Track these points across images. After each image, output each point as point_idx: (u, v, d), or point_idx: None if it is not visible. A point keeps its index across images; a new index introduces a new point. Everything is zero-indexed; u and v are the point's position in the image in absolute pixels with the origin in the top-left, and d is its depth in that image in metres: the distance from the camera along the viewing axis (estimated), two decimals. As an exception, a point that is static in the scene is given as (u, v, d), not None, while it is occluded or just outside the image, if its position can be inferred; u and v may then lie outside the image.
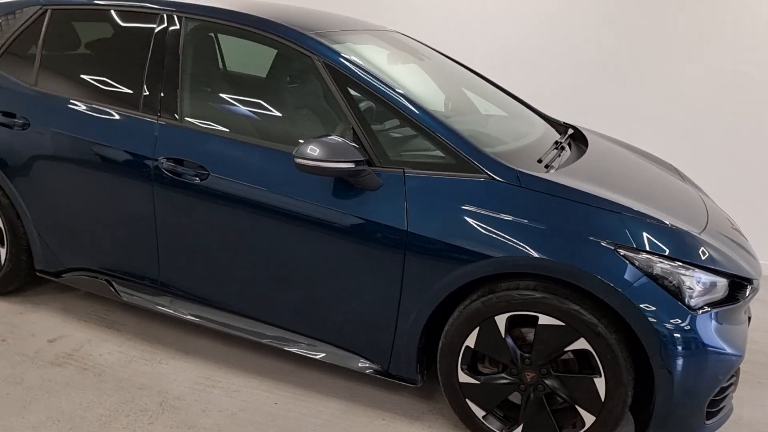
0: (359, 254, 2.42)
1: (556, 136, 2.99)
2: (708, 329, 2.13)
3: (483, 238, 2.24)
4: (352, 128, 2.44)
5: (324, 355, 2.63)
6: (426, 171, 2.38)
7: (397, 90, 2.47)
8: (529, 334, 2.31)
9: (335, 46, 2.58)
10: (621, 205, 2.26)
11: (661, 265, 2.13)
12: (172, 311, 2.85)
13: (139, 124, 2.74)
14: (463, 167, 2.35)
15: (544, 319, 2.23)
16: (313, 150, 2.27)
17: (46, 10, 3.03)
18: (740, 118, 4.36)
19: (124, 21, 2.92)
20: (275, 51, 2.84)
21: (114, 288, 2.96)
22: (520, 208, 2.26)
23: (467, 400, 2.43)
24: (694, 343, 2.10)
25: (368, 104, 2.53)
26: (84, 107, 2.86)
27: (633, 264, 2.13)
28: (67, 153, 2.86)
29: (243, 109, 2.79)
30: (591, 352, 2.21)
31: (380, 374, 2.55)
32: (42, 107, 2.93)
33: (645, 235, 2.19)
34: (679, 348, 2.09)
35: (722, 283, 2.21)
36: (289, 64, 2.94)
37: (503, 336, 2.31)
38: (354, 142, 2.40)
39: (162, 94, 2.72)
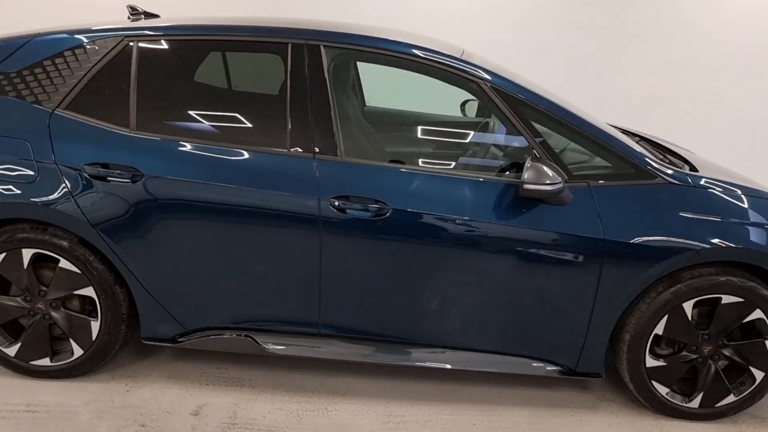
0: (556, 266, 2.56)
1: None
2: None
3: (676, 234, 2.52)
4: (533, 149, 2.56)
5: (506, 366, 2.72)
6: (608, 182, 2.59)
7: (567, 108, 2.63)
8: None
9: (494, 70, 2.65)
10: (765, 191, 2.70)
11: None
12: (333, 356, 2.72)
13: (292, 163, 2.55)
14: (641, 175, 2.60)
15: (726, 299, 2.59)
16: (539, 176, 2.36)
17: (130, 43, 2.62)
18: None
19: (240, 52, 2.66)
20: (417, 77, 2.79)
21: (257, 342, 2.72)
22: (697, 205, 2.58)
23: (652, 382, 2.72)
24: None
25: (540, 124, 2.65)
26: (212, 150, 2.56)
27: None
28: (195, 203, 2.55)
29: (410, 138, 2.73)
30: (764, 320, 2.62)
31: (567, 374, 2.73)
32: (153, 154, 2.56)
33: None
34: None
35: None
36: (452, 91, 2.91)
37: (690, 319, 2.62)
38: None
39: (314, 130, 2.56)
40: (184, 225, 2.57)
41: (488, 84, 2.60)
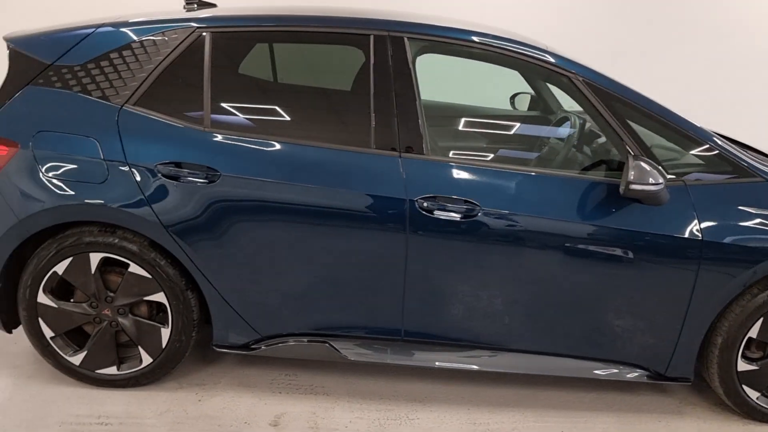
0: (651, 269, 2.46)
1: None
2: None
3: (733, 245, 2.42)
4: (627, 146, 2.44)
5: (594, 371, 2.63)
6: (704, 180, 2.49)
7: (659, 103, 2.51)
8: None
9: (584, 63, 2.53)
10: None
11: None
12: (412, 362, 2.61)
13: (377, 161, 2.42)
14: (739, 173, 2.50)
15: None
16: (643, 175, 2.25)
17: (202, 33, 2.47)
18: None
19: (318, 43, 2.51)
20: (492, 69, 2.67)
21: (335, 348, 2.60)
22: None
23: (743, 386, 2.63)
24: None
25: (633, 120, 2.53)
26: (291, 149, 2.43)
27: None
28: (275, 205, 2.42)
29: (500, 135, 2.61)
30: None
31: (655, 379, 2.64)
32: (231, 153, 2.42)
33: None
34: None
35: None
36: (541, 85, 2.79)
37: (785, 322, 2.54)
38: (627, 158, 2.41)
39: (400, 126, 2.43)
40: (263, 227, 2.44)
41: (580, 78, 2.48)
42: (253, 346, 2.64)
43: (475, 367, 2.62)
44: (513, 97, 3.92)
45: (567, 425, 2.62)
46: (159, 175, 2.40)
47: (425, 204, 2.39)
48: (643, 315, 2.53)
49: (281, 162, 2.42)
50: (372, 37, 2.46)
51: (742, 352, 2.59)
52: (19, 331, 2.66)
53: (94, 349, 2.62)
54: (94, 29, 2.50)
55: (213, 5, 2.93)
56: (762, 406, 2.66)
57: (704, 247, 2.42)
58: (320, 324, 2.60)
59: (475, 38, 2.50)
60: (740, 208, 2.46)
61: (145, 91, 2.45)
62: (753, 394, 2.65)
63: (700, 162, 2.55)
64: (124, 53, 2.47)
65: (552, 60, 2.49)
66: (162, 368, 2.65)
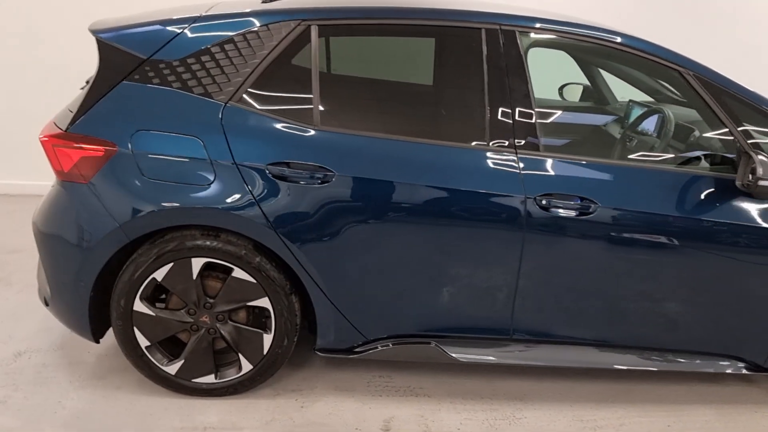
0: (758, 262, 2.47)
1: None
2: None
3: None
4: (738, 141, 2.44)
5: (697, 365, 2.65)
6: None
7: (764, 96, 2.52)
8: None
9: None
10: None
11: None
12: (522, 361, 2.58)
13: (493, 159, 2.37)
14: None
15: None
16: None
17: (309, 26, 2.36)
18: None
19: (430, 38, 2.43)
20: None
21: (444, 350, 2.55)
22: None
23: (836, 374, 2.69)
24: None
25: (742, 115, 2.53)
26: (405, 147, 2.35)
27: None
28: (388, 204, 2.34)
29: (595, 129, 2.58)
30: None
31: (753, 370, 2.67)
32: (343, 152, 2.33)
33: None
34: None
35: None
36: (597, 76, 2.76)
37: None
38: (741, 153, 2.42)
39: (514, 123, 2.38)
40: (375, 227, 2.36)
41: (691, 73, 2.46)
42: (356, 350, 2.57)
43: (581, 364, 2.61)
44: (562, 88, 3.90)
45: (671, 419, 2.63)
46: (269, 175, 2.29)
47: (543, 201, 2.35)
48: (749, 307, 2.55)
49: (396, 161, 2.34)
50: (483, 31, 2.39)
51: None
52: (87, 341, 2.54)
53: (192, 357, 2.51)
54: (190, 22, 2.37)
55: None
56: None
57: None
58: (426, 325, 2.55)
59: (590, 33, 2.45)
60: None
61: (251, 87, 2.34)
62: (844, 382, 2.71)
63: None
64: (227, 47, 2.34)
65: (663, 55, 2.46)
66: (262, 375, 2.56)
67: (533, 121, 2.39)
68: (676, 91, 2.85)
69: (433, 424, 2.51)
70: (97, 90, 2.33)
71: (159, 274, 2.38)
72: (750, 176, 2.31)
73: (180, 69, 2.33)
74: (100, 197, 2.29)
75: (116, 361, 2.77)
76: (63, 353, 2.83)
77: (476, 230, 2.38)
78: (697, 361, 2.65)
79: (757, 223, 2.42)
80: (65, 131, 2.31)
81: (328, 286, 2.43)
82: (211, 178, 2.28)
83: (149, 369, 2.52)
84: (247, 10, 2.39)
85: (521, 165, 2.36)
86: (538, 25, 2.44)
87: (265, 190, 2.30)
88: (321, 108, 2.35)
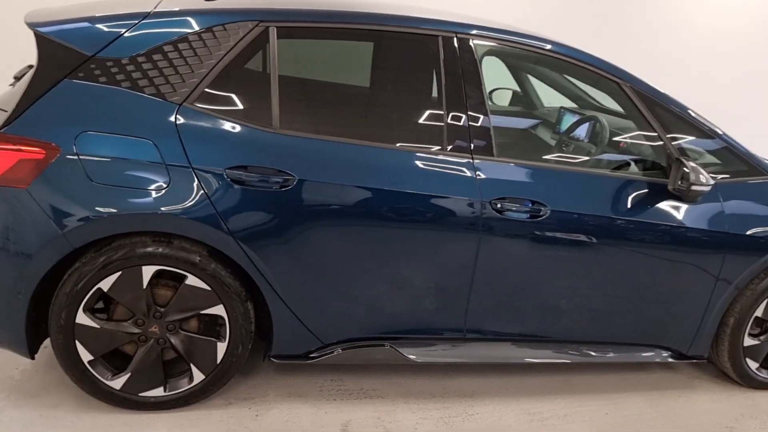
0: (686, 259, 2.70)
1: None
2: None
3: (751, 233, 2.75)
4: (668, 149, 2.65)
5: (628, 356, 2.84)
6: (728, 179, 2.76)
7: (689, 108, 2.75)
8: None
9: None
10: None
11: None
12: (475, 359, 2.67)
13: (451, 163, 2.43)
14: (753, 172, 2.80)
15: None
16: (699, 176, 2.46)
17: (267, 27, 2.31)
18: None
19: (388, 42, 2.45)
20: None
21: (399, 351, 2.58)
22: None
23: (746, 359, 2.98)
24: None
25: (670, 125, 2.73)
26: (363, 151, 2.36)
27: None
28: (347, 208, 2.34)
29: (540, 135, 2.70)
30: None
31: (677, 358, 2.91)
32: (303, 156, 2.30)
33: None
34: None
35: None
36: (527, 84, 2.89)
37: (782, 301, 2.91)
38: (668, 161, 2.63)
39: (470, 129, 2.45)
40: (333, 231, 2.36)
41: (628, 85, 2.64)
42: (312, 355, 2.55)
43: (527, 359, 2.73)
44: (491, 93, 4.05)
45: (608, 407, 2.81)
46: (227, 179, 2.23)
47: (498, 205, 2.44)
48: (678, 301, 2.77)
49: (354, 165, 2.35)
50: (440, 38, 2.45)
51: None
52: (15, 356, 2.37)
53: (139, 370, 2.39)
54: (140, 18, 2.25)
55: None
56: (759, 375, 3.03)
57: (728, 238, 2.70)
58: (382, 328, 2.57)
59: (536, 44, 2.57)
60: (756, 202, 2.77)
61: (207, 87, 2.26)
62: (753, 365, 3.00)
63: (717, 161, 2.82)
64: (180, 46, 2.25)
65: (603, 66, 2.63)
66: (215, 385, 2.48)
67: (489, 126, 2.47)
68: (597, 100, 3.05)
69: (390, 424, 2.53)
70: (36, 88, 2.17)
71: (105, 284, 2.25)
72: (680, 182, 2.51)
73: (130, 68, 2.21)
74: (41, 203, 2.13)
75: (49, 377, 2.59)
76: (-14, 372, 2.60)
77: (434, 233, 2.43)
78: (628, 353, 2.85)
79: (684, 223, 2.64)
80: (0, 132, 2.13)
81: (285, 291, 2.39)
82: (166, 182, 2.18)
83: (92, 384, 2.37)
84: (203, 8, 2.31)
85: (478, 169, 2.44)
86: (491, 35, 2.53)
87: (223, 195, 2.23)
88: (280, 111, 2.31)
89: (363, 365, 2.83)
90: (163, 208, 2.18)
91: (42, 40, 2.18)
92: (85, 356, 2.33)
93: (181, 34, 2.26)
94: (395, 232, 2.40)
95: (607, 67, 2.63)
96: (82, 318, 2.27)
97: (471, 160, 2.44)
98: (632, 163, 2.82)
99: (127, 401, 2.42)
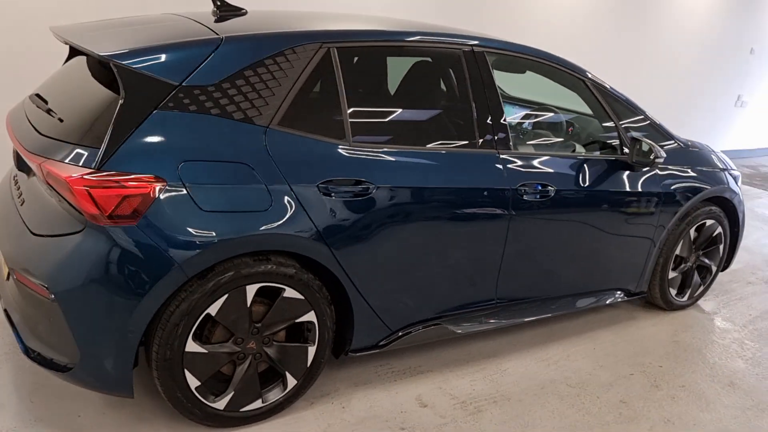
0: (640, 215, 3.43)
1: None
2: None
3: (694, 181, 3.62)
4: (619, 132, 3.34)
5: (599, 301, 3.53)
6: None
7: (627, 96, 3.46)
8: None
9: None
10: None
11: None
12: (504, 323, 3.13)
13: (483, 159, 2.83)
14: (665, 139, 3.62)
15: (709, 222, 3.84)
16: (659, 151, 3.17)
17: (329, 48, 2.49)
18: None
19: (423, 56, 2.75)
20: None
21: (449, 328, 2.95)
22: (696, 160, 3.73)
23: (669, 288, 3.84)
24: None
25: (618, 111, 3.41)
26: (422, 155, 2.67)
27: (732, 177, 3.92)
28: (415, 207, 2.64)
29: (547, 130, 3.20)
30: (720, 232, 3.96)
31: (627, 297, 3.66)
32: (376, 165, 2.53)
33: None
34: None
35: None
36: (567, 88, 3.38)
37: (691, 237, 3.81)
38: (632, 140, 3.31)
39: (493, 128, 2.87)
40: (402, 227, 2.62)
41: (589, 80, 3.26)
42: (380, 344, 2.80)
43: (543, 316, 3.27)
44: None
45: (591, 345, 3.47)
46: (320, 193, 2.39)
47: (520, 190, 2.90)
48: (632, 249, 3.50)
49: (418, 168, 2.64)
50: (464, 50, 2.82)
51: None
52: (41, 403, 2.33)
53: (240, 387, 2.45)
54: (215, 45, 2.29)
55: (240, 9, 2.82)
56: (677, 300, 3.93)
57: (662, 196, 3.49)
58: (434, 309, 2.91)
59: (527, 52, 3.06)
60: (675, 165, 3.59)
61: (288, 108, 2.38)
62: (673, 293, 3.89)
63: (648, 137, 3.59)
64: (259, 70, 2.34)
65: (571, 66, 3.21)
66: (305, 388, 2.63)
67: (506, 126, 2.91)
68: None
69: (453, 390, 2.90)
70: (127, 121, 2.12)
71: (213, 309, 2.29)
72: (639, 156, 3.20)
73: (216, 94, 2.26)
74: (153, 237, 2.12)
75: (123, 413, 2.51)
76: (48, 424, 2.43)
77: (478, 220, 2.83)
78: (598, 298, 3.53)
79: (637, 189, 3.35)
80: (98, 170, 2.06)
81: (365, 288, 2.62)
82: (269, 202, 2.29)
83: (201, 410, 2.39)
84: (271, 32, 2.42)
85: (503, 162, 2.88)
86: (497, 47, 2.96)
87: (317, 208, 2.39)
88: (351, 125, 2.52)
89: (400, 348, 3.12)
90: (271, 228, 2.29)
91: (125, 73, 2.13)
92: (193, 383, 2.34)
93: (258, 58, 2.35)
94: (449, 223, 2.75)
95: (573, 66, 3.22)
96: (191, 346, 2.29)
97: (497, 154, 2.87)
98: (599, 146, 3.45)
99: (232, 419, 2.48)
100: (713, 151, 4.01)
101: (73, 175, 2.05)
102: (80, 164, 2.08)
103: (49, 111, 2.35)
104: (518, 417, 2.77)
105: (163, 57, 2.21)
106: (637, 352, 3.44)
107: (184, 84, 2.21)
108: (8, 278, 2.42)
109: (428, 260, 2.76)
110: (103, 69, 2.44)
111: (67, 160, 2.09)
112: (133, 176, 2.09)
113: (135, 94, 2.15)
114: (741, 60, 8.97)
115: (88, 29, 2.55)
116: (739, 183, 4.01)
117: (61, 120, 2.27)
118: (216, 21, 2.57)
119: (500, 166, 2.87)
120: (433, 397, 2.84)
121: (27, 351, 2.30)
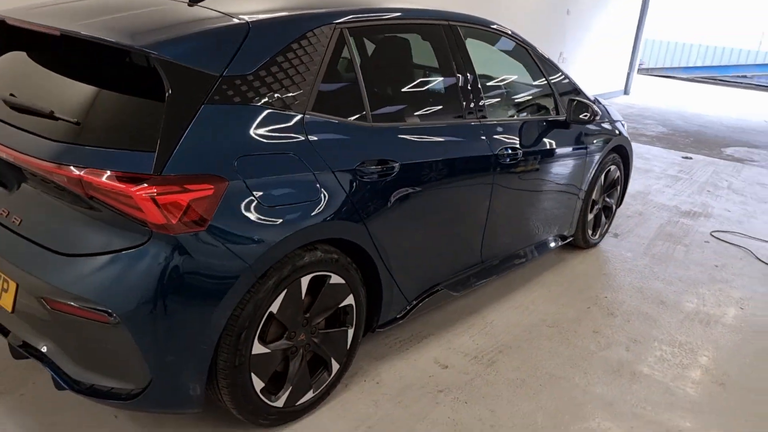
0: (575, 167, 3.86)
1: None
2: None
3: (606, 133, 4.14)
4: (554, 94, 3.71)
5: (547, 249, 3.93)
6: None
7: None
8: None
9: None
10: None
11: None
12: (484, 281, 3.37)
13: (472, 129, 3.01)
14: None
15: (613, 169, 4.42)
16: (595, 107, 3.59)
17: (343, 29, 2.45)
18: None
19: (416, 34, 2.81)
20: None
21: (449, 292, 3.12)
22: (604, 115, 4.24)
23: (587, 231, 4.38)
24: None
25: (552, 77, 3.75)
26: (432, 130, 2.79)
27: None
28: (428, 181, 2.73)
29: (514, 96, 3.43)
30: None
31: (562, 241, 4.12)
32: (399, 143, 2.59)
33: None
34: None
35: None
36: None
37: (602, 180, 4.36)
38: (570, 101, 3.69)
39: (473, 100, 3.05)
40: (422, 201, 2.73)
41: (531, 51, 3.56)
42: (399, 316, 2.89)
43: (513, 268, 3.57)
44: None
45: (544, 286, 3.87)
46: (357, 176, 2.40)
47: (500, 154, 3.13)
48: (568, 197, 3.93)
49: (430, 143, 2.75)
50: (445, 26, 2.94)
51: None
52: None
53: (296, 381, 2.41)
54: (246, 31, 2.17)
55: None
56: (592, 238, 4.48)
57: (587, 151, 3.95)
58: (438, 277, 3.06)
59: (487, 24, 3.26)
60: (597, 125, 4.06)
61: (318, 93, 2.33)
62: (590, 233, 4.43)
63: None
64: (288, 55, 2.26)
65: (520, 38, 3.48)
66: (345, 370, 2.65)
67: (482, 97, 3.11)
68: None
69: (460, 347, 3.10)
70: (177, 118, 1.95)
71: (275, 306, 2.22)
72: (580, 115, 3.59)
73: (256, 83, 2.16)
74: (224, 240, 2.00)
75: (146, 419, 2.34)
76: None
77: (471, 187, 3.02)
78: (546, 246, 3.92)
79: (573, 144, 3.77)
80: (160, 175, 1.89)
81: (392, 264, 2.69)
82: (320, 191, 2.26)
83: (266, 411, 2.32)
84: (293, 15, 2.34)
85: (484, 130, 3.08)
86: (467, 22, 3.11)
87: (357, 191, 2.40)
88: (370, 106, 2.53)
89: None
90: (328, 216, 2.26)
91: (165, 65, 1.94)
92: (258, 385, 2.26)
93: (286, 42, 2.26)
94: (454, 192, 2.91)
95: (520, 38, 3.49)
96: (256, 348, 2.20)
97: (480, 123, 3.06)
98: (536, 107, 3.77)
99: (292, 414, 2.44)
100: (607, 105, 4.59)
101: (136, 184, 1.85)
102: (137, 172, 1.88)
103: (51, 113, 2.05)
104: (526, 361, 3.05)
105: (201, 46, 2.05)
106: (581, 288, 3.91)
107: (225, 74, 2.07)
108: (13, 311, 2.13)
109: (439, 230, 2.90)
110: (101, 59, 2.18)
111: (117, 168, 1.88)
112: (195, 178, 1.94)
113: (180, 88, 1.97)
114: (559, 21, 10.06)
115: (59, 14, 2.24)
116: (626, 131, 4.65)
117: (77, 123, 2.00)
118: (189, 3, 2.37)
119: (484, 136, 3.06)
120: (448, 357, 3.01)
121: (72, 384, 2.04)
